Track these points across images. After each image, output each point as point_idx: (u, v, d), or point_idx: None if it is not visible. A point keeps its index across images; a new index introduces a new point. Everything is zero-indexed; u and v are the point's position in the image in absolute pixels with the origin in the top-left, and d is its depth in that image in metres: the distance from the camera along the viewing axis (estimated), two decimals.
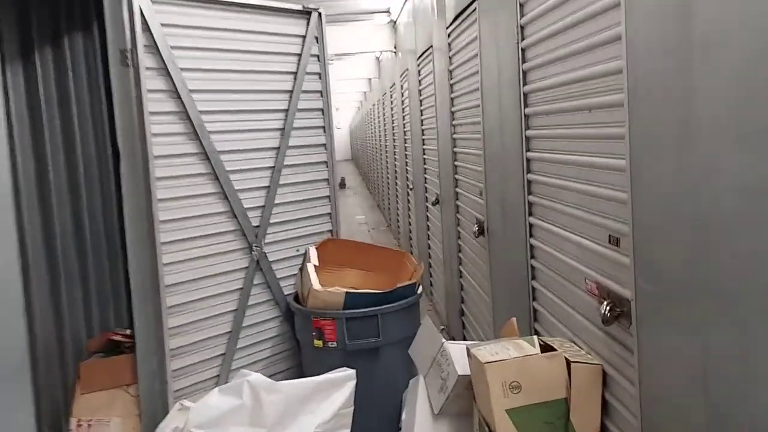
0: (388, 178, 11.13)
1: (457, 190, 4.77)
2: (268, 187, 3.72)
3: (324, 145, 4.02)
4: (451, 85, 4.74)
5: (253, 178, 3.67)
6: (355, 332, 3.34)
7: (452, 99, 4.76)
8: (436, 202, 5.78)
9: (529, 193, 3.02)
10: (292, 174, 3.84)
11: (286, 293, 3.83)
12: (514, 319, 2.79)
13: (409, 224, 8.33)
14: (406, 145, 8.01)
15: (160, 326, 3.25)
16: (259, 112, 3.70)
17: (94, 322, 3.68)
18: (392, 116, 9.56)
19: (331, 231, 4.06)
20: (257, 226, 3.67)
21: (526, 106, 2.99)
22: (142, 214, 3.18)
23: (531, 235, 3.03)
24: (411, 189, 7.63)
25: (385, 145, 11.15)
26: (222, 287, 3.53)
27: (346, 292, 3.33)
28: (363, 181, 21.92)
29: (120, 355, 3.42)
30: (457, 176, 4.77)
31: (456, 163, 4.77)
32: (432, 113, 5.73)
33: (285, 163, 3.78)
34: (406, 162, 8.09)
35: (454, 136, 4.76)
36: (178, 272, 3.34)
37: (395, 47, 8.61)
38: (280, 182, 3.76)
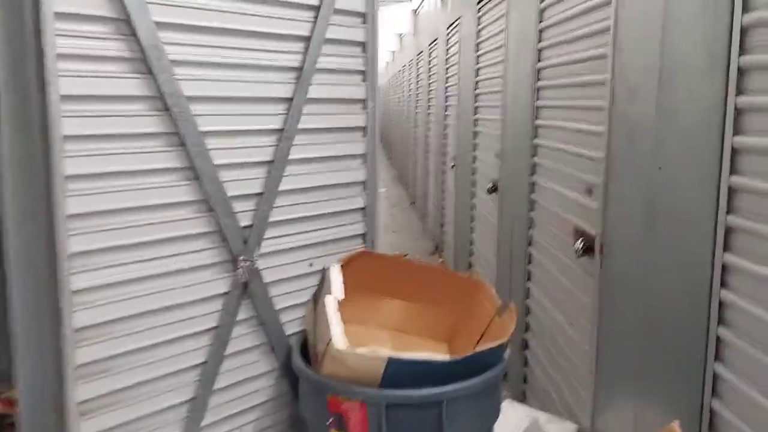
0: (415, 150, 9.63)
1: (535, 179, 3.38)
2: (271, 162, 2.23)
3: (363, 101, 2.49)
4: (540, 33, 3.30)
5: (245, 147, 2.16)
6: (402, 429, 1.89)
7: (539, 51, 3.34)
8: (493, 190, 4.36)
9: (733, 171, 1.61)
10: (309, 144, 2.32)
11: (288, 333, 2.36)
12: (677, 425, 1.50)
13: (443, 208, 6.90)
14: (446, 113, 6.54)
15: (59, 399, 1.82)
16: (262, 36, 2.16)
17: None
18: (429, 78, 8.03)
19: (364, 237, 2.56)
20: (248, 227, 2.17)
21: (745, 9, 1.57)
22: (35, 201, 1.73)
23: (726, 247, 1.65)
24: (452, 167, 6.16)
25: (416, 112, 9.62)
26: (181, 328, 2.04)
27: (389, 359, 1.87)
28: (384, 149, 20.42)
29: None
30: (537, 160, 3.37)
31: (537, 141, 3.36)
32: (495, 73, 4.31)
33: (300, 125, 2.29)
34: (445, 133, 6.63)
35: (538, 103, 3.35)
36: (99, 305, 1.85)
37: None
38: (291, 156, 2.28)
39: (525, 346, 3.67)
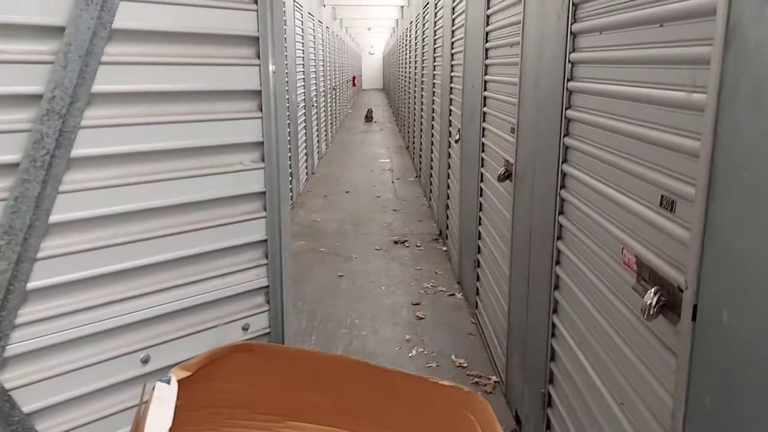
0: (421, 118, 8.38)
1: (567, 169, 2.26)
2: (20, 166, 1.05)
3: (253, 39, 1.29)
4: None
5: None
6: None
7: None
8: (505, 177, 3.21)
9: None
10: (110, 125, 1.14)
11: None
12: None
13: (448, 188, 5.70)
14: (452, 74, 5.31)
15: None
16: None
17: None
18: (435, 34, 6.75)
19: (267, 295, 1.36)
20: None
21: None
22: None
23: None
24: (456, 141, 4.94)
25: (422, 73, 8.34)
26: None
27: None
28: (393, 115, 19.09)
29: None
30: (569, 141, 2.25)
31: (571, 113, 2.23)
32: (511, 16, 3.14)
33: (99, 87, 1.10)
34: (450, 98, 5.41)
35: (574, 56, 2.25)
36: None
37: None
38: (75, 150, 1.08)
39: (548, 403, 2.54)
